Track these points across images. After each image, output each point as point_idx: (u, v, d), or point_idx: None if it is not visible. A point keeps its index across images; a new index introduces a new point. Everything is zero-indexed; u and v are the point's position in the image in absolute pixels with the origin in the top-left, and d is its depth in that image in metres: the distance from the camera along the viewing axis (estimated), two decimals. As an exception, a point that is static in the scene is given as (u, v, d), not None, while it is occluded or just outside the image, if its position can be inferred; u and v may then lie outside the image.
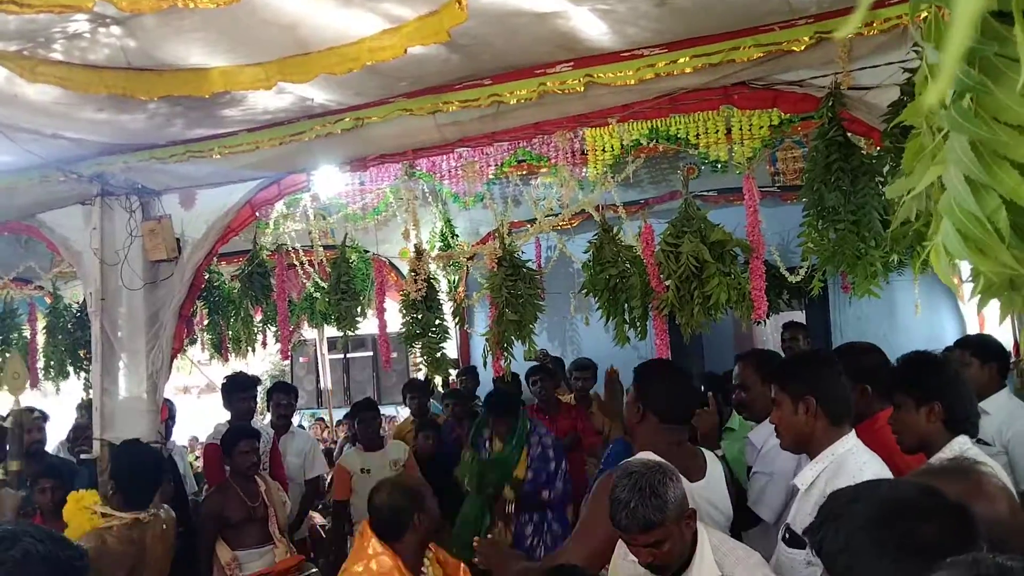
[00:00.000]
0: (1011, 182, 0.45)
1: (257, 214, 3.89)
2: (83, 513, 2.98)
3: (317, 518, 4.88)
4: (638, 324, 3.17)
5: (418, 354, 4.09)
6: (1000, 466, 2.72)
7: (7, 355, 5.47)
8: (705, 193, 5.15)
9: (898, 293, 5.61)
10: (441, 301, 4.23)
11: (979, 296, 0.62)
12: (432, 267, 4.35)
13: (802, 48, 2.37)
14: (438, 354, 4.02)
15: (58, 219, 3.83)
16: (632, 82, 2.64)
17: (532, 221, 5.29)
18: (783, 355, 3.87)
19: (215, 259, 4.61)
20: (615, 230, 3.58)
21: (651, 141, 3.74)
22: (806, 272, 4.80)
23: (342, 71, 2.32)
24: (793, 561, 2.14)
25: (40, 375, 5.68)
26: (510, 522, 4.04)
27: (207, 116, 2.95)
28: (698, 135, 3.53)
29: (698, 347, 5.73)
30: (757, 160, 3.70)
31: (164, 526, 3.16)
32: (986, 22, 0.48)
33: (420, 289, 3.98)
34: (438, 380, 5.50)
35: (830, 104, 2.63)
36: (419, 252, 4.18)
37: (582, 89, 2.71)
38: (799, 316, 5.99)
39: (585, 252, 3.67)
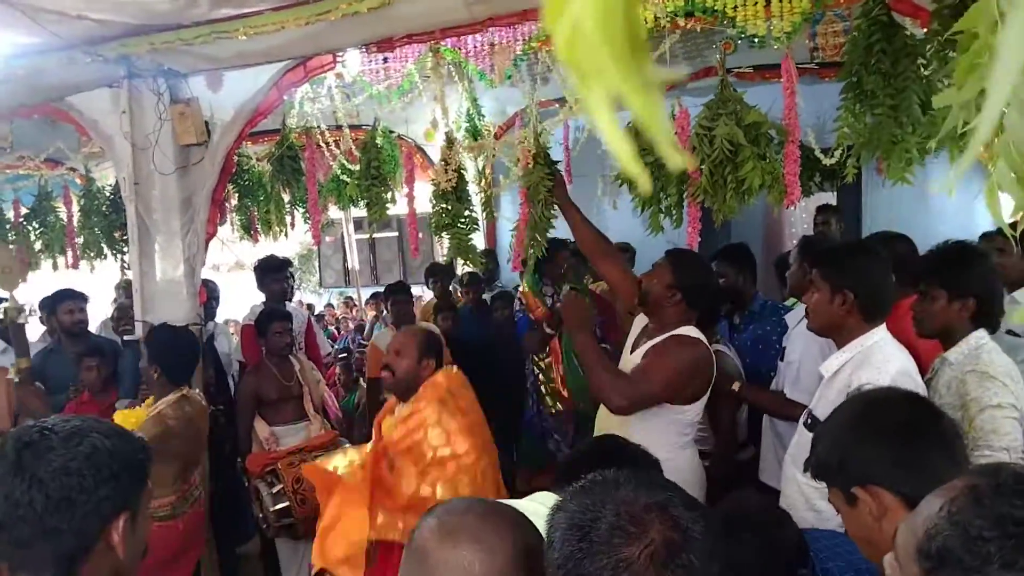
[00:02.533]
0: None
1: (284, 96, 3.84)
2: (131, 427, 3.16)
3: (329, 397, 4.99)
4: (673, 212, 3.15)
5: (447, 244, 4.10)
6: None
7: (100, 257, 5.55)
8: (741, 70, 4.97)
9: (932, 177, 5.49)
10: (471, 191, 4.20)
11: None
12: (464, 158, 4.29)
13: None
14: (468, 243, 4.03)
15: (87, 102, 3.81)
16: (671, -46, 2.51)
17: (561, 100, 5.17)
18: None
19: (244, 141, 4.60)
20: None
21: (687, 15, 3.59)
22: (841, 155, 4.70)
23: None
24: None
25: (79, 255, 5.80)
26: None
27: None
28: (736, 7, 3.38)
29: (726, 232, 5.70)
30: (796, 35, 3.55)
31: (202, 401, 3.34)
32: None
33: (451, 179, 3.96)
34: (460, 263, 5.57)
35: (878, -20, 2.50)
36: (450, 141, 4.12)
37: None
38: (830, 199, 5.91)
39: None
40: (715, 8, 3.48)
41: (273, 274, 4.75)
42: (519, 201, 3.57)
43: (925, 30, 2.42)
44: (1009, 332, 2.46)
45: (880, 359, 2.14)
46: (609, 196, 5.47)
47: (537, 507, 1.19)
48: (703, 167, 3.13)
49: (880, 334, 2.23)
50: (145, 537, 1.35)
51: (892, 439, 1.25)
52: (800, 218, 7.10)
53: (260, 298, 4.95)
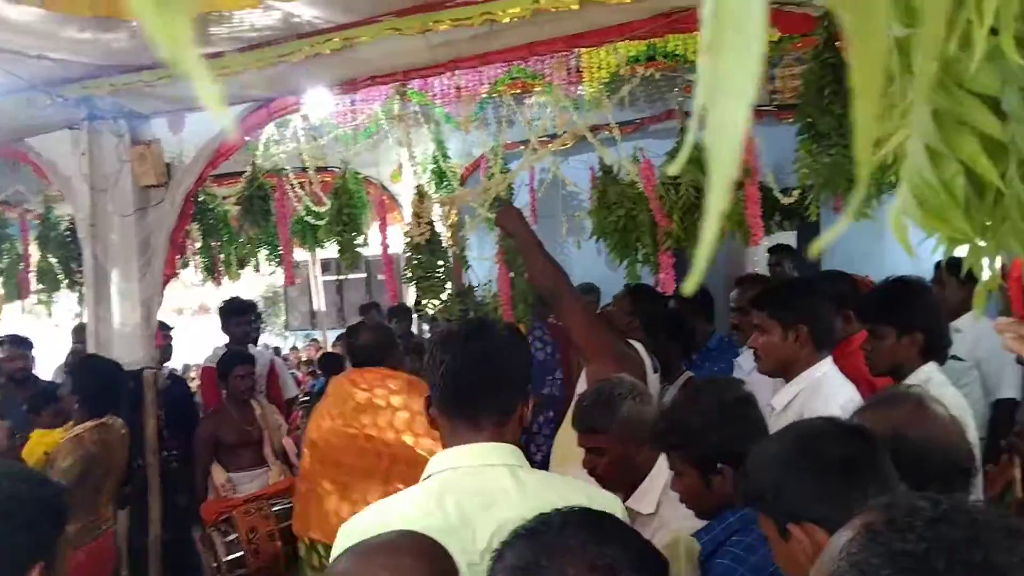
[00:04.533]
0: (970, 149, 0.46)
1: (247, 137, 3.84)
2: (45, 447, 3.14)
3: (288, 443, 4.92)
4: (651, 260, 3.21)
5: (420, 295, 4.14)
6: (973, 380, 2.85)
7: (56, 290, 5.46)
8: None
9: (889, 216, 5.60)
10: (443, 242, 4.25)
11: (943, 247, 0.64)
12: (436, 211, 4.35)
13: (800, -32, 2.31)
14: (442, 295, 4.07)
15: (46, 143, 3.78)
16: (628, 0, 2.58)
17: (525, 142, 5.22)
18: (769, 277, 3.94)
19: (208, 181, 4.58)
20: (615, 169, 3.55)
21: (648, 58, 3.68)
22: (801, 195, 4.79)
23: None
24: None
25: (32, 288, 5.69)
26: None
27: (193, 36, 2.88)
28: (695, 52, 3.47)
29: (686, 271, 5.76)
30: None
31: (123, 430, 3.31)
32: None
33: (423, 233, 3.99)
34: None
35: (826, 25, 2.59)
36: (421, 194, 4.16)
37: (577, 6, 2.64)
38: (791, 238, 6.00)
39: (575, 185, 3.67)
40: (676, 53, 3.58)
41: (237, 317, 4.69)
42: (488, 236, 3.62)
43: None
44: (953, 357, 2.51)
45: (829, 390, 2.17)
46: (573, 236, 5.51)
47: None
48: (673, 215, 3.18)
49: (827, 366, 2.26)
50: None
51: (830, 476, 1.25)
52: (762, 257, 7.20)
53: (224, 340, 4.88)
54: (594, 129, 4.48)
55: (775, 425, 2.27)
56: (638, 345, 2.77)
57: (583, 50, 3.47)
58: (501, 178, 4.32)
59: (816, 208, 3.09)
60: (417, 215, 4.05)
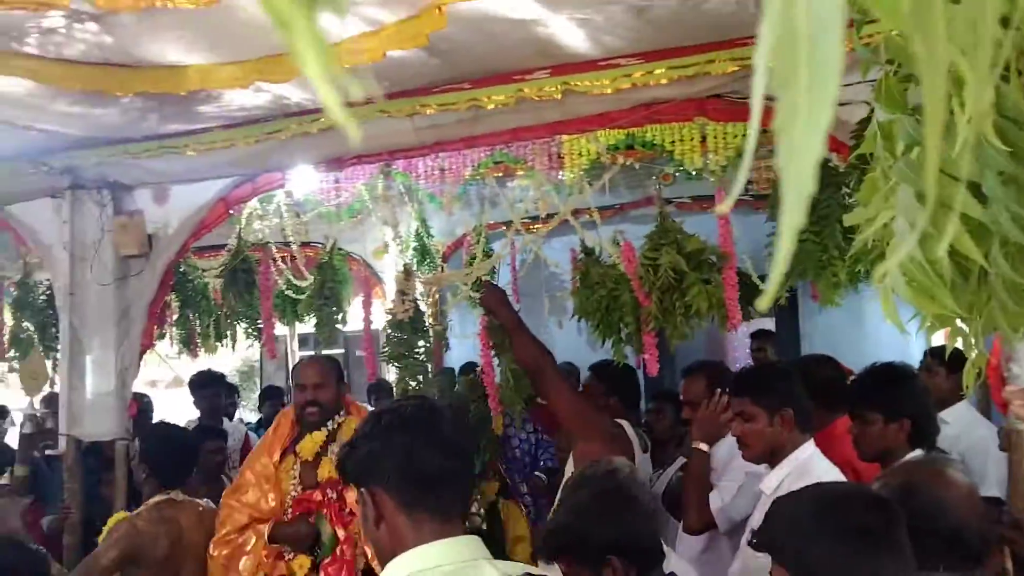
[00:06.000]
0: (954, 231, 0.47)
1: (231, 211, 3.86)
2: None
3: None
4: (634, 340, 3.22)
5: (401, 373, 4.12)
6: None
7: (27, 355, 5.34)
8: (681, 200, 5.19)
9: (867, 302, 5.68)
10: (426, 322, 4.26)
11: (927, 327, 0.65)
12: (419, 291, 4.36)
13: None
14: (419, 377, 4.05)
15: (27, 210, 3.76)
16: (609, 91, 2.66)
17: (508, 223, 5.29)
18: (749, 364, 3.94)
19: (189, 253, 4.58)
20: (597, 251, 3.60)
21: (628, 147, 3.77)
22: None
23: (320, 73, 2.32)
24: (760, 564, 2.19)
25: (7, 353, 5.58)
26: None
27: (182, 112, 2.93)
28: (673, 142, 3.57)
29: (670, 357, 5.76)
30: (730, 168, 3.75)
31: (201, 510, 3.04)
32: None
33: (407, 310, 3.99)
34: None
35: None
36: (407, 271, 4.18)
37: (559, 96, 2.73)
38: (770, 324, 6.06)
39: (558, 265, 3.71)
40: (654, 142, 3.67)
41: (203, 390, 4.65)
42: (469, 314, 3.62)
43: (847, 164, 2.58)
44: (937, 449, 2.50)
45: (819, 471, 2.17)
46: (555, 316, 5.53)
47: None
48: (652, 296, 3.21)
49: (811, 448, 2.27)
50: None
51: (853, 542, 1.31)
52: (742, 342, 7.24)
53: (197, 414, 4.79)
54: (575, 213, 4.57)
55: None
56: (625, 424, 2.76)
57: (565, 137, 3.56)
58: (487, 261, 4.36)
59: (785, 293, 3.14)
60: (402, 292, 4.05)
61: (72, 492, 3.58)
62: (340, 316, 5.01)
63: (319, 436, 2.98)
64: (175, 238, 3.72)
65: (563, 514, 1.76)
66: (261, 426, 5.29)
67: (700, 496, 2.66)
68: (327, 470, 2.90)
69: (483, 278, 3.54)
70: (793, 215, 0.34)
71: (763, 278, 5.25)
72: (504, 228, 5.31)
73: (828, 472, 2.20)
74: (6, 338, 5.53)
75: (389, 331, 4.13)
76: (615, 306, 3.19)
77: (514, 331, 2.74)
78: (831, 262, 2.60)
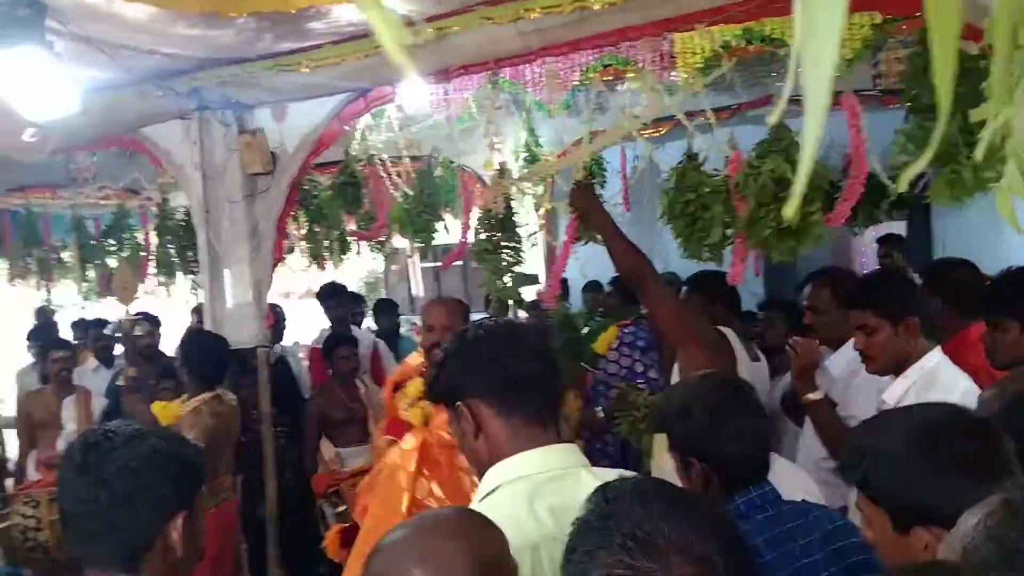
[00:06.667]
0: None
1: (345, 127, 3.96)
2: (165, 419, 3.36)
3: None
4: (713, 252, 3.12)
5: (488, 275, 4.02)
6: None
7: (117, 266, 5.79)
8: (801, 98, 4.88)
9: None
10: (518, 223, 4.18)
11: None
12: (513, 189, 4.27)
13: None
14: (505, 276, 3.97)
15: (160, 133, 4.00)
16: (722, -19, 2.51)
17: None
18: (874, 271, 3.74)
19: (312, 170, 4.76)
20: (702, 158, 3.45)
21: (745, 42, 3.56)
22: (911, 182, 4.54)
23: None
24: None
25: (153, 278, 6.04)
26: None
27: (293, 30, 3.00)
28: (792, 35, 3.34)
29: (792, 267, 5.54)
30: (857, 62, 3.48)
31: (234, 403, 3.52)
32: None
33: (497, 203, 3.99)
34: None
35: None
36: (502, 171, 4.16)
37: (669, -10, 2.60)
38: (900, 228, 5.73)
39: (669, 170, 3.57)
40: (773, 36, 3.45)
41: (329, 300, 4.92)
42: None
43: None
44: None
45: (947, 380, 2.09)
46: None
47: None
48: (748, 202, 3.06)
49: (938, 355, 2.17)
50: (201, 538, 1.42)
51: (964, 479, 1.16)
52: (870, 247, 6.88)
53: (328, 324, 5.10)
54: (689, 115, 4.39)
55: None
56: (728, 331, 2.70)
57: (676, 35, 3.40)
58: (583, 148, 4.15)
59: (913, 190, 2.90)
60: (495, 190, 4.03)
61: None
62: (440, 225, 5.08)
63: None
64: (296, 156, 3.87)
65: (665, 402, 1.76)
66: (379, 337, 5.56)
67: (838, 440, 2.40)
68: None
69: (577, 179, 3.43)
70: (814, 125, 0.33)
71: (893, 179, 4.91)
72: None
73: (956, 380, 2.11)
74: (152, 260, 5.98)
75: (479, 226, 4.10)
76: (703, 213, 3.07)
77: (610, 237, 2.58)
78: (955, 158, 2.36)
